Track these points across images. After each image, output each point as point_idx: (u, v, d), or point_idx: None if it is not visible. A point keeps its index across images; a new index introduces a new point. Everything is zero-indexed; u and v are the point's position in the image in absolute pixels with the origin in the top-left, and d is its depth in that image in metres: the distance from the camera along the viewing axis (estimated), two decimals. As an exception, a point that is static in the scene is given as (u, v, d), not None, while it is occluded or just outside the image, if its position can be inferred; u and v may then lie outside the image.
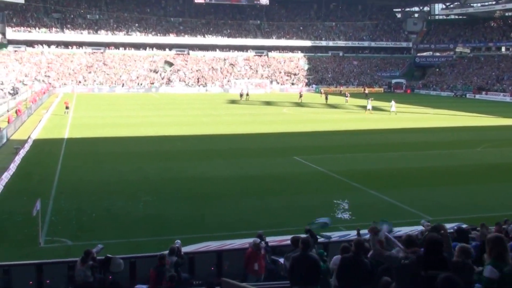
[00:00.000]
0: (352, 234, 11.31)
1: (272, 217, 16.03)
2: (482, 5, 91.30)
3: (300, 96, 62.05)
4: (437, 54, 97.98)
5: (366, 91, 73.26)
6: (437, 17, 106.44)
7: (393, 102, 47.96)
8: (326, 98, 60.16)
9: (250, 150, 27.97)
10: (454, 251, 6.08)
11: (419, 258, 5.28)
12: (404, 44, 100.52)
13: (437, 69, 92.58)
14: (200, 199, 18.08)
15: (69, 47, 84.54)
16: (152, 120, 40.82)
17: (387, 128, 37.72)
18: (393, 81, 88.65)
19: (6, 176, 20.20)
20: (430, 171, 23.32)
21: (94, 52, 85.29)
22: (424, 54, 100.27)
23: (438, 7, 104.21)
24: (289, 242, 10.22)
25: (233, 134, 34.14)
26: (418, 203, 17.69)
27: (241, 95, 63.19)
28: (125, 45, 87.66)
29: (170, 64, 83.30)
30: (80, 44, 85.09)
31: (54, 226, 14.95)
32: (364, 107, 49.19)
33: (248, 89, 69.64)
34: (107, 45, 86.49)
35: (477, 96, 75.55)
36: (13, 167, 21.89)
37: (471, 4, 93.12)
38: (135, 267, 10.35)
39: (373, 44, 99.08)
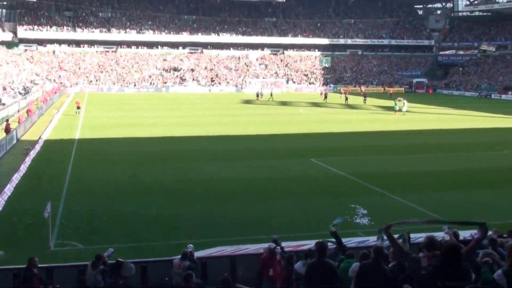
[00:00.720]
0: (372, 240, 11.19)
1: (288, 221, 15.97)
2: (508, 1, 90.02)
3: (325, 97, 61.68)
4: (461, 52, 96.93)
5: (391, 91, 73.19)
6: (460, 13, 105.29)
7: (405, 102, 47.70)
8: (346, 98, 59.86)
9: (266, 152, 27.94)
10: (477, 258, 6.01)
11: (437, 267, 5.20)
12: (426, 42, 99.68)
13: (461, 68, 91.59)
14: (214, 201, 18.10)
15: (81, 46, 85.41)
16: (164, 120, 41.01)
17: (408, 130, 37.42)
18: (415, 80, 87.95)
19: (17, 177, 20.42)
20: (453, 174, 23.05)
21: (106, 51, 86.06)
22: (447, 52, 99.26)
23: (462, 3, 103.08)
24: (305, 247, 10.19)
25: (248, 135, 34.16)
26: (440, 207, 17.46)
27: (257, 95, 63.01)
28: (137, 44, 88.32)
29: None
30: (91, 43, 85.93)
31: (64, 229, 15.06)
32: (391, 108, 49.02)
33: (272, 89, 69.46)
34: (119, 43, 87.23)
35: (503, 97, 74.56)
36: (23, 168, 22.13)
37: (497, 0, 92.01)
38: (147, 272, 10.37)
39: (393, 42, 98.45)
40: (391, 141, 32.37)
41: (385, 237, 8.07)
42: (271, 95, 63.35)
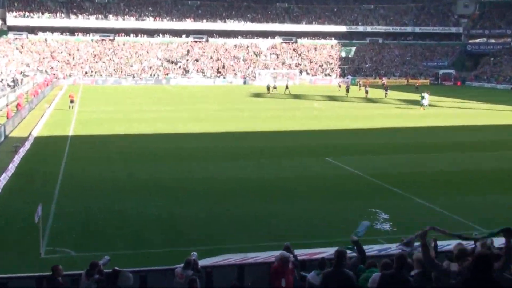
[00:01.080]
0: (393, 248, 11.11)
1: (301, 227, 15.91)
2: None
3: (347, 91, 61.77)
4: (492, 41, 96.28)
5: (417, 84, 73.29)
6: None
7: (426, 95, 47.51)
8: (366, 92, 59.68)
9: (276, 150, 27.87)
10: None
11: (467, 278, 5.12)
12: (453, 30, 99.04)
13: (492, 58, 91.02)
14: (219, 204, 18.08)
15: (75, 34, 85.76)
16: (164, 115, 41.08)
17: (433, 126, 37.24)
18: (441, 71, 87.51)
19: (5, 177, 20.52)
20: (485, 176, 22.86)
21: (103, 40, 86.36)
22: (477, 41, 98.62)
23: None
24: (320, 256, 10.13)
25: (257, 131, 34.13)
26: (470, 212, 17.33)
27: (268, 88, 63.18)
28: (136, 32, 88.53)
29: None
30: (87, 31, 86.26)
31: (56, 233, 15.10)
32: (416, 102, 48.88)
33: (287, 81, 69.53)
34: (116, 31, 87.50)
35: (539, 89, 74.15)
36: (12, 167, 22.23)
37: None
38: (146, 282, 10.35)
39: (417, 29, 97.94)
40: (415, 138, 32.19)
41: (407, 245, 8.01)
42: (287, 87, 63.43)
